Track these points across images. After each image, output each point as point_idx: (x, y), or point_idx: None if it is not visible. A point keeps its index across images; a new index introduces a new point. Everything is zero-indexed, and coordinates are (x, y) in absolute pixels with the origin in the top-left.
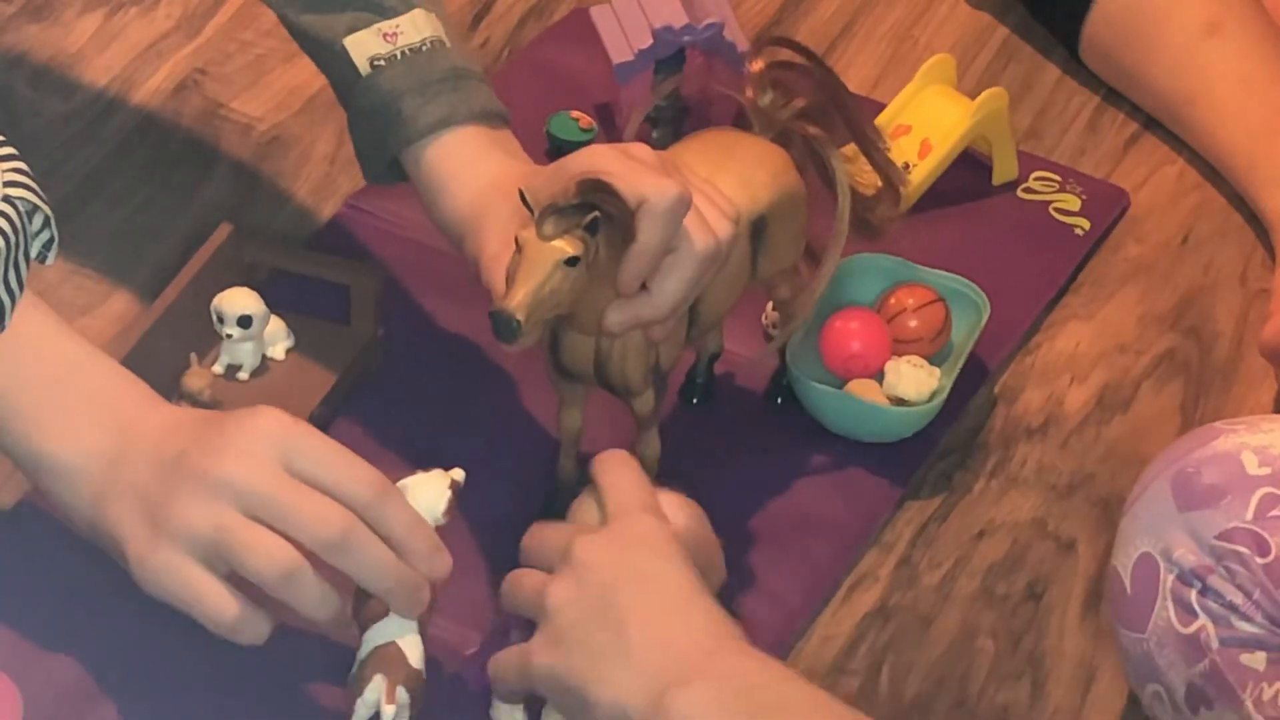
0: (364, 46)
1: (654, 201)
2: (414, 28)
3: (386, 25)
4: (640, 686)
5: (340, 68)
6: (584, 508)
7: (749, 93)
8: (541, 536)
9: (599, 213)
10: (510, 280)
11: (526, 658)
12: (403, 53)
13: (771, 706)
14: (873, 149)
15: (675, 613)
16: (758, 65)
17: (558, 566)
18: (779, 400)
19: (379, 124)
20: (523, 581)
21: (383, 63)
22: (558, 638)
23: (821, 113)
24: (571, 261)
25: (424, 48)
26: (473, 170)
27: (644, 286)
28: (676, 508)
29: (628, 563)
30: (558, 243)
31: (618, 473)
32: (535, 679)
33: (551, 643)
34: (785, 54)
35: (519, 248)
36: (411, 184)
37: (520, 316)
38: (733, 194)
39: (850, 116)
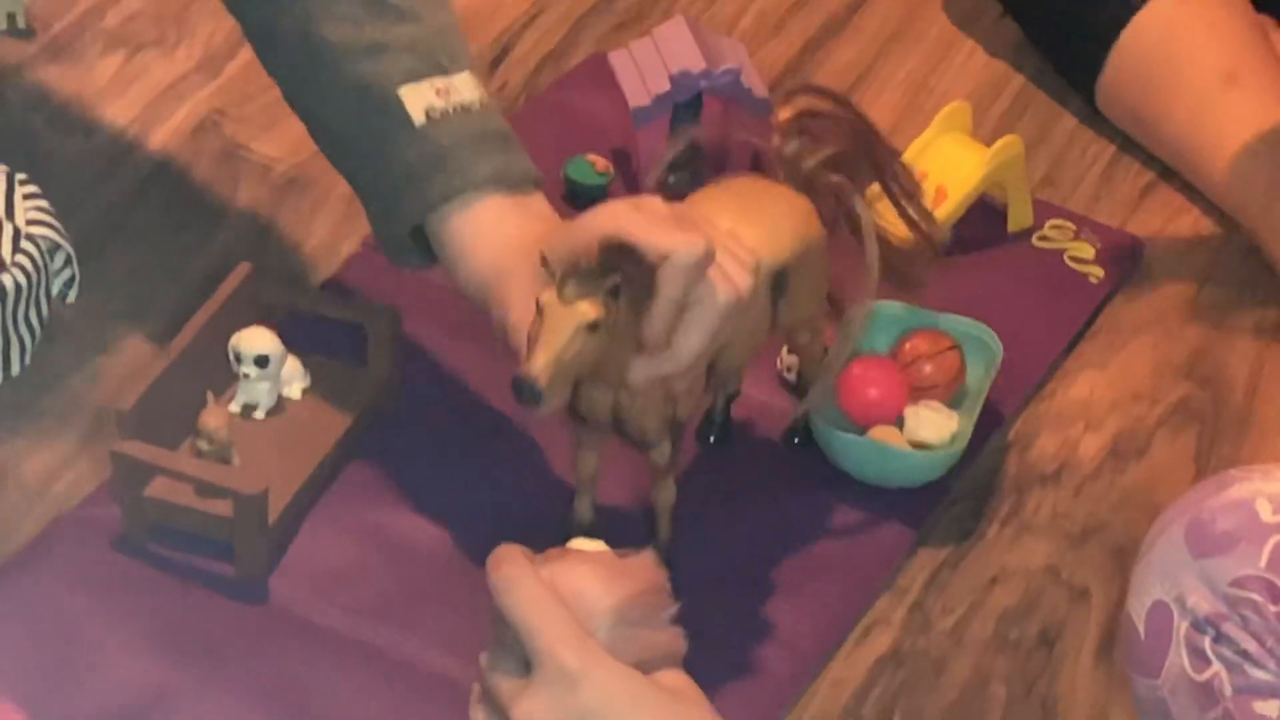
0: (420, 97)
1: (677, 258)
2: (465, 88)
3: (440, 82)
4: None
5: (382, 119)
6: (502, 623)
7: (775, 140)
8: (487, 683)
9: (621, 277)
10: (531, 344)
11: None
12: (455, 109)
13: None
14: (906, 199)
15: None
16: (786, 113)
17: None
18: (795, 440)
19: (423, 176)
20: None
21: (437, 115)
22: None
23: (847, 161)
24: (593, 326)
25: (474, 107)
26: (504, 230)
27: None
28: (590, 581)
29: None
30: (579, 306)
31: (520, 596)
32: None
33: None
34: (813, 101)
35: (540, 311)
36: (435, 247)
37: (542, 383)
38: (756, 244)
39: (885, 164)
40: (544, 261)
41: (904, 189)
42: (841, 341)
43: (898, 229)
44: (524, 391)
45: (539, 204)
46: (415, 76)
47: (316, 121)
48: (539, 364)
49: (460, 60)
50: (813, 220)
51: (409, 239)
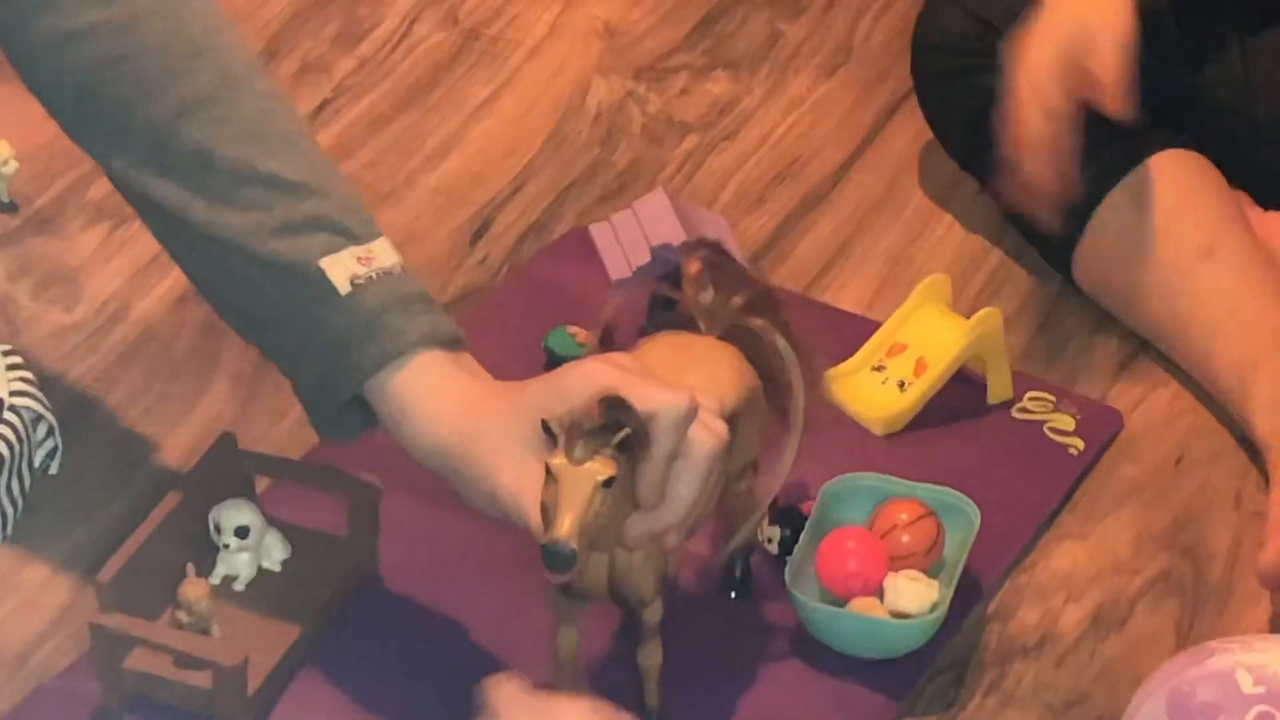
0: (342, 267)
1: (668, 413)
2: (384, 253)
3: (360, 250)
4: None
5: (305, 294)
6: None
7: (689, 293)
8: None
9: (629, 432)
10: (552, 511)
11: None
12: (378, 274)
13: None
14: (794, 341)
15: None
16: (694, 266)
17: None
18: (733, 594)
19: (354, 344)
20: None
21: (362, 281)
22: None
23: (758, 305)
24: (608, 483)
25: (395, 271)
26: (451, 392)
27: None
28: (586, 713)
29: None
30: (591, 465)
31: (521, 714)
32: None
33: None
34: (711, 254)
35: (552, 476)
36: (378, 411)
37: (574, 545)
38: (707, 391)
39: (779, 310)
40: (545, 427)
41: (790, 329)
42: (772, 476)
43: None
44: (557, 558)
45: (471, 361)
46: (333, 248)
47: (230, 304)
48: (567, 528)
49: (371, 227)
50: (748, 367)
51: (343, 409)
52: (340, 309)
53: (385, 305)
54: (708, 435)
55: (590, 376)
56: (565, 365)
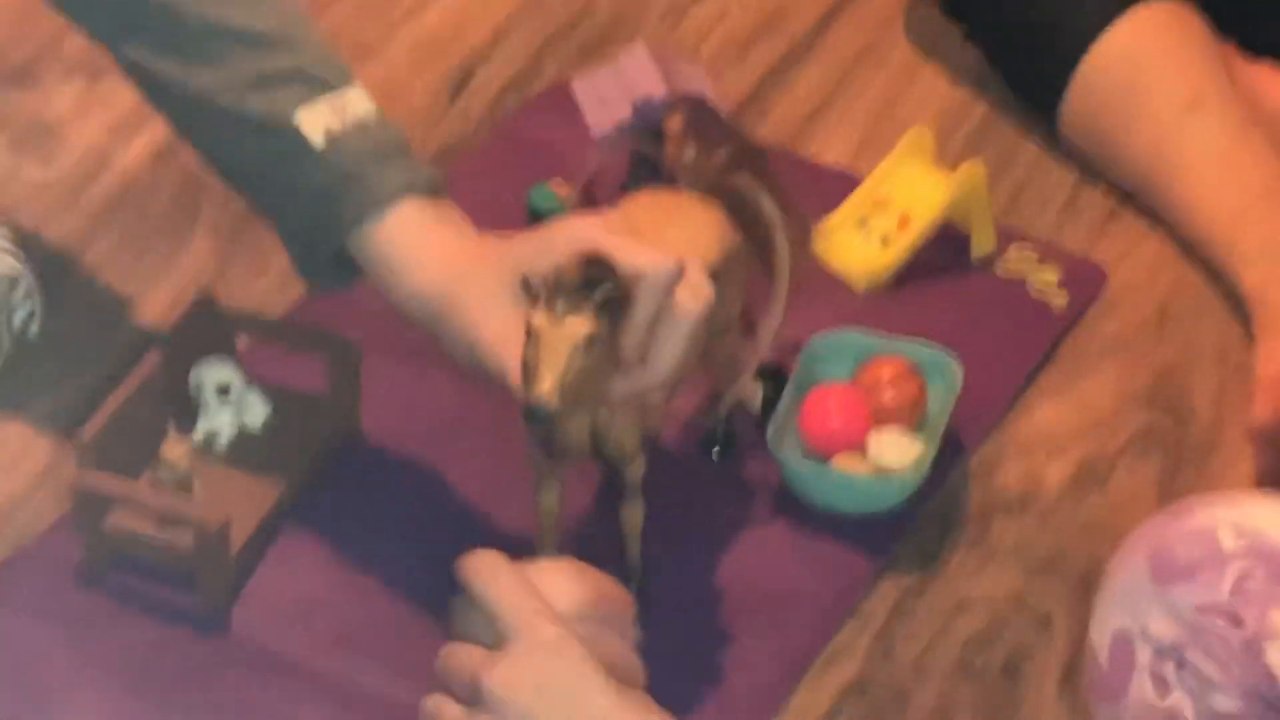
0: (317, 119)
1: (653, 276)
2: (358, 102)
3: (335, 99)
4: None
5: (282, 148)
6: (469, 620)
7: (671, 150)
8: (451, 662)
9: (611, 289)
10: (533, 369)
11: None
12: (353, 125)
13: None
14: (781, 194)
15: None
16: (676, 123)
17: (472, 701)
18: (715, 452)
19: (335, 197)
20: (443, 713)
21: (338, 134)
22: None
23: (742, 162)
24: (589, 340)
25: (370, 120)
26: (436, 242)
27: None
28: (562, 578)
29: (542, 687)
30: (572, 323)
31: (496, 581)
32: None
33: None
34: (695, 110)
35: (533, 334)
36: (362, 264)
37: (554, 404)
38: (687, 251)
39: (764, 164)
40: (526, 285)
41: (779, 185)
42: (761, 333)
43: None
44: (537, 417)
45: (452, 209)
46: (307, 100)
47: (213, 156)
48: (547, 387)
49: (345, 75)
50: (727, 225)
51: (330, 260)
52: (318, 163)
53: (362, 157)
54: (692, 298)
55: (576, 234)
56: (552, 222)
